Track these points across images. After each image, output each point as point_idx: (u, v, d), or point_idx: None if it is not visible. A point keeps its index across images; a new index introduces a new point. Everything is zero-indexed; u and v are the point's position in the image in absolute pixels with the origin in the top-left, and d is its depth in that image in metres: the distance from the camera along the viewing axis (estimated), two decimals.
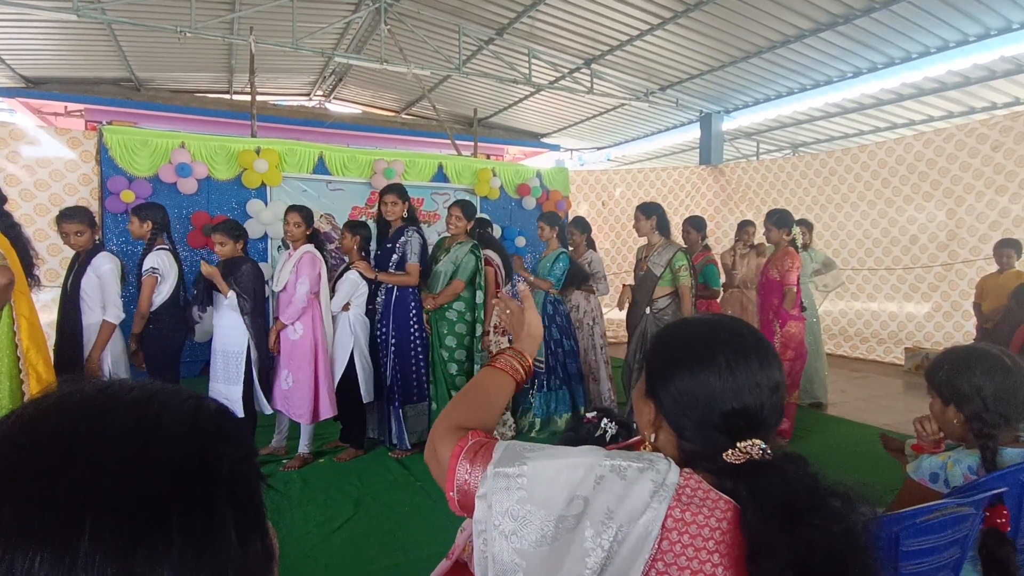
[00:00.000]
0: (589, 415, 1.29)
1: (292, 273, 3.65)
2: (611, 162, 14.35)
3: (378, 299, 3.93)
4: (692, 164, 10.51)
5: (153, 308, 3.48)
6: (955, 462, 1.44)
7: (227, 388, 3.51)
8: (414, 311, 3.91)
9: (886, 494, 1.58)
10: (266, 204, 6.17)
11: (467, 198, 5.21)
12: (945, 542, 1.25)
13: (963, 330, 6.37)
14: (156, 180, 5.81)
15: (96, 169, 5.82)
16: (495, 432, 0.97)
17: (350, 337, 3.82)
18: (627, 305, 4.37)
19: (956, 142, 6.47)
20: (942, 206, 6.64)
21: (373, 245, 4.04)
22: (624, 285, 4.46)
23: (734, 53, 7.71)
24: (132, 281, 3.99)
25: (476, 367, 4.03)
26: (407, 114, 12.33)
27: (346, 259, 4.03)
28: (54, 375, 2.54)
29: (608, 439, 1.20)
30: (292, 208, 3.77)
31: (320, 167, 6.57)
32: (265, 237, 6.20)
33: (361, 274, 3.83)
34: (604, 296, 4.95)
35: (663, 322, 3.94)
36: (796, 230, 4.29)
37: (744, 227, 5.42)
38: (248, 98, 6.97)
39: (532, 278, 4.56)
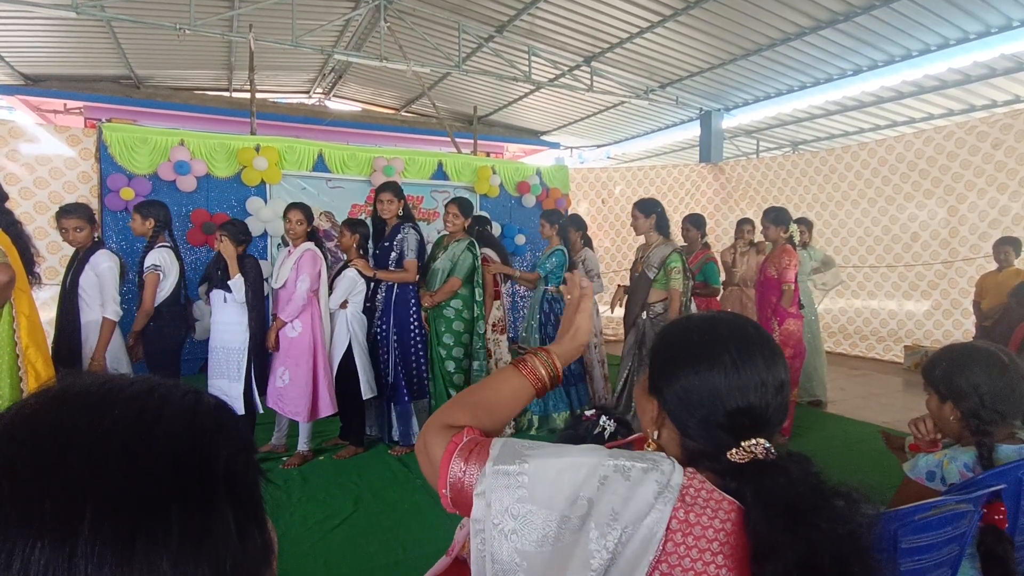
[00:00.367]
0: (587, 413, 1.29)
1: (293, 271, 3.65)
2: (611, 160, 14.35)
3: (378, 297, 3.94)
4: (692, 162, 10.51)
5: (155, 305, 3.48)
6: (951, 459, 1.44)
7: (227, 385, 3.51)
8: (414, 308, 3.92)
9: (885, 492, 1.59)
10: (265, 202, 6.18)
11: (465, 196, 5.21)
12: (943, 539, 1.25)
13: (963, 328, 6.37)
14: (155, 178, 5.82)
15: (95, 167, 5.82)
16: None
17: (346, 335, 3.82)
18: (621, 307, 4.24)
19: (956, 140, 6.46)
20: (942, 204, 6.64)
21: (370, 243, 4.05)
22: (619, 285, 4.39)
23: (734, 51, 7.70)
24: (131, 279, 3.99)
25: (475, 365, 4.04)
26: (407, 112, 12.31)
27: (343, 257, 4.04)
28: (53, 373, 2.54)
29: (607, 437, 1.19)
30: (293, 206, 3.78)
31: (320, 165, 6.57)
32: (265, 235, 6.20)
33: (360, 272, 3.84)
34: (599, 294, 4.95)
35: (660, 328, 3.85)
36: (793, 227, 4.29)
37: (743, 225, 5.42)
38: (248, 95, 6.97)
39: (518, 273, 4.56)
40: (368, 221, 4.13)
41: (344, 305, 3.84)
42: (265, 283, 3.82)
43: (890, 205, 7.12)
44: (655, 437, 0.90)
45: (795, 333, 4.18)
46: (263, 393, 3.70)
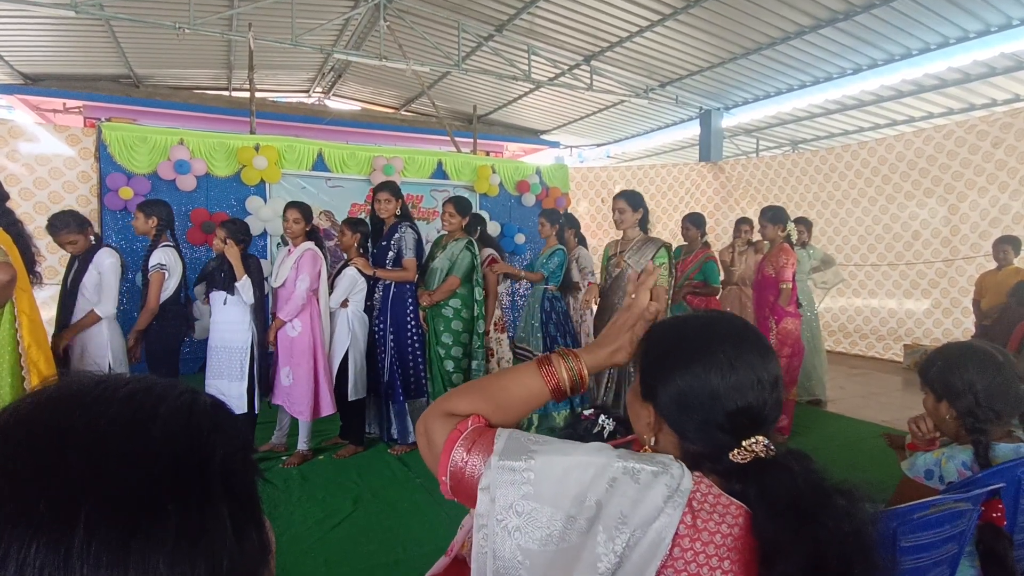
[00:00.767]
0: (586, 412, 1.29)
1: (292, 270, 3.65)
2: (611, 159, 14.34)
3: (375, 295, 3.95)
4: (692, 161, 10.51)
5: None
6: (949, 458, 1.45)
7: (228, 384, 3.51)
8: (411, 307, 3.93)
9: (885, 490, 1.59)
10: (265, 201, 6.18)
11: (462, 195, 5.21)
12: (942, 538, 1.25)
13: (962, 327, 6.38)
14: (155, 177, 5.81)
15: (95, 166, 5.82)
16: None
17: (347, 334, 3.83)
18: (595, 307, 3.97)
19: (956, 139, 6.47)
20: (943, 202, 6.65)
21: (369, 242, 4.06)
22: (590, 283, 4.22)
23: (734, 49, 7.70)
24: (130, 277, 3.99)
25: (473, 364, 4.04)
26: (406, 111, 12.31)
27: (344, 256, 4.04)
28: (56, 371, 2.54)
29: (606, 436, 1.19)
30: (291, 205, 3.79)
31: (319, 164, 6.57)
32: (264, 234, 6.20)
33: (360, 271, 3.84)
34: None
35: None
36: (791, 226, 4.29)
37: (741, 224, 5.42)
38: (247, 95, 6.97)
39: (523, 274, 4.57)
40: (367, 220, 4.14)
41: (345, 304, 3.85)
42: (265, 282, 3.83)
43: (890, 204, 7.12)
44: (652, 444, 0.88)
45: (793, 332, 4.18)
46: (268, 392, 3.71)
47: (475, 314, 4.03)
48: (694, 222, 4.96)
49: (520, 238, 7.59)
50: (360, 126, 10.99)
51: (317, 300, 3.73)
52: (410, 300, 3.93)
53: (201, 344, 3.83)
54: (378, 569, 2.56)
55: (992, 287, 4.74)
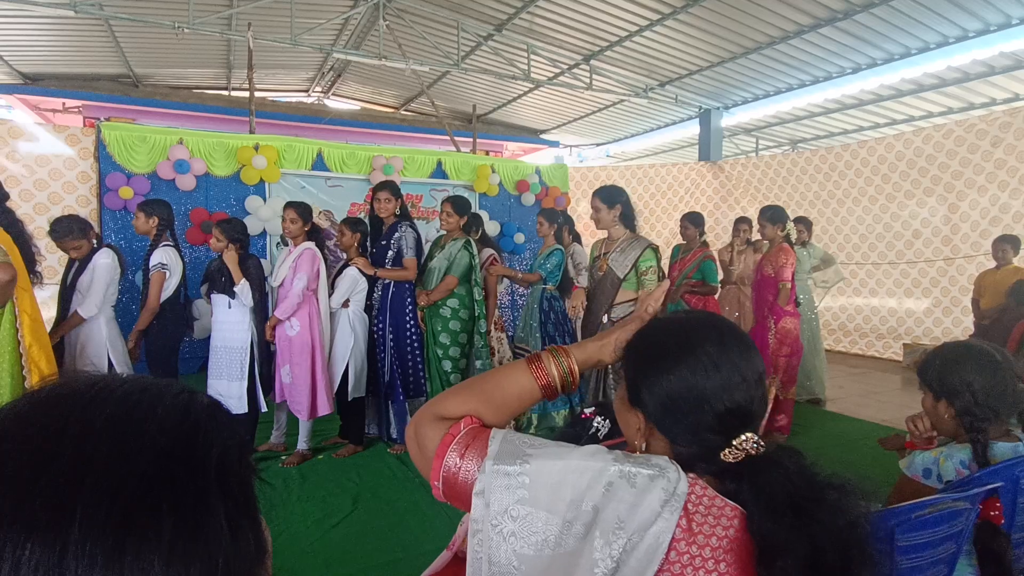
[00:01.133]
0: (587, 411, 1.29)
1: (291, 269, 3.66)
2: (610, 158, 14.34)
3: (375, 295, 3.95)
4: (691, 160, 10.51)
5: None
6: (947, 457, 1.46)
7: (228, 384, 3.52)
8: (410, 306, 3.93)
9: (884, 489, 1.59)
10: (264, 200, 6.18)
11: (461, 194, 5.21)
12: (940, 537, 1.26)
13: (962, 325, 6.38)
14: (154, 176, 5.81)
15: (94, 166, 5.82)
16: None
17: (350, 334, 3.84)
18: (582, 311, 3.82)
19: (955, 138, 6.47)
20: (943, 201, 6.65)
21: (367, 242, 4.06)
22: (576, 288, 4.15)
23: (733, 49, 7.70)
24: (129, 276, 3.99)
25: (477, 364, 4.04)
26: (406, 110, 12.31)
27: (343, 256, 4.05)
28: (56, 371, 2.55)
29: (601, 437, 1.19)
30: (289, 204, 3.79)
31: (319, 163, 6.57)
32: (264, 234, 6.20)
33: (360, 270, 3.85)
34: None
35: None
36: (790, 226, 4.29)
37: (740, 224, 5.42)
38: (246, 94, 6.96)
39: (521, 275, 4.57)
40: (366, 220, 4.15)
41: (346, 304, 3.85)
42: (265, 282, 3.83)
43: (890, 203, 7.12)
44: (643, 449, 0.88)
45: (792, 331, 4.19)
46: (269, 391, 3.72)
47: (475, 314, 4.03)
48: (692, 221, 4.96)
49: (519, 237, 7.59)
50: (360, 125, 10.98)
51: (316, 299, 3.74)
52: (409, 300, 3.93)
53: (201, 344, 3.84)
54: (377, 568, 2.56)
55: (991, 286, 4.74)
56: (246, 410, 3.51)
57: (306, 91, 11.97)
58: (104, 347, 3.26)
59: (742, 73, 8.39)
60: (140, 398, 0.41)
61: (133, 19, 6.70)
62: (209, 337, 3.67)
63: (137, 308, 3.62)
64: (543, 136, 12.93)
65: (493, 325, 4.41)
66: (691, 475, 0.77)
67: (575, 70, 8.97)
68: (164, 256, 3.50)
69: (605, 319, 3.38)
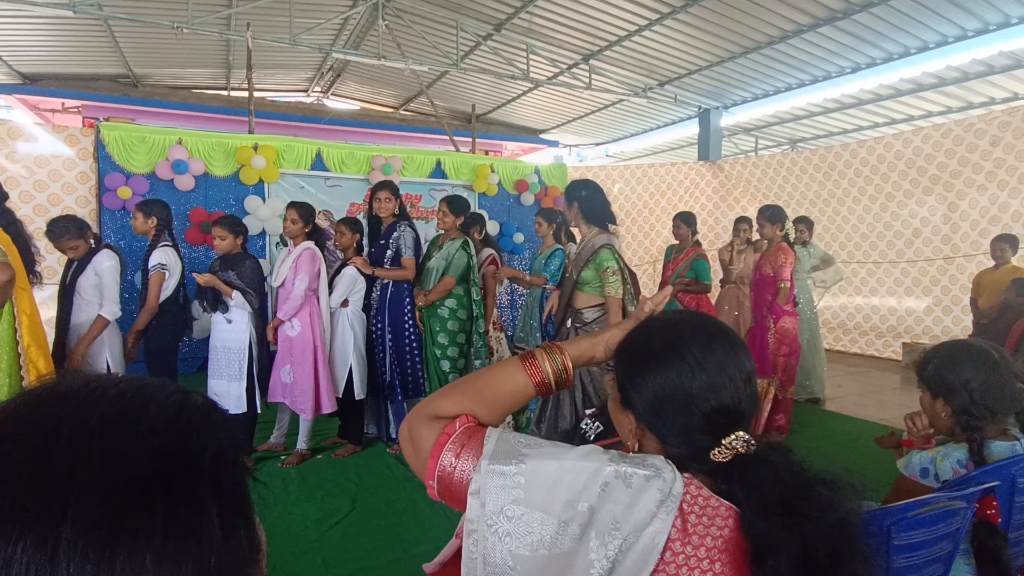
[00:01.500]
0: (588, 412, 1.29)
1: (291, 270, 3.66)
2: (610, 158, 14.34)
3: (373, 294, 3.95)
4: (691, 160, 10.50)
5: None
6: (944, 456, 1.46)
7: (228, 384, 3.52)
8: (409, 306, 3.93)
9: (882, 488, 1.60)
10: (264, 200, 6.18)
11: (459, 194, 5.21)
12: (937, 536, 1.26)
13: (962, 324, 6.38)
14: (153, 176, 5.81)
15: (94, 166, 5.82)
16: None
17: (350, 333, 3.84)
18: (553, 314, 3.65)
19: (954, 137, 6.47)
20: (942, 200, 6.65)
21: (364, 241, 4.07)
22: (554, 289, 4.13)
23: (732, 49, 7.70)
24: (128, 276, 3.99)
25: (476, 364, 4.05)
26: (405, 110, 12.30)
27: (341, 255, 4.05)
28: (54, 371, 2.55)
29: (592, 439, 1.19)
30: (291, 204, 3.80)
31: (318, 163, 6.57)
32: (263, 234, 6.20)
33: (359, 270, 3.85)
34: None
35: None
36: (789, 225, 4.30)
37: (740, 223, 5.43)
38: (246, 94, 6.96)
39: (528, 277, 4.57)
40: (364, 220, 4.15)
41: (345, 303, 3.86)
42: (265, 282, 3.83)
43: (890, 202, 7.13)
44: (636, 449, 0.89)
45: (791, 331, 4.19)
46: (266, 391, 3.72)
47: (473, 314, 4.03)
48: (684, 220, 4.97)
49: (519, 237, 7.59)
50: (359, 125, 10.99)
51: (317, 299, 3.74)
52: (408, 299, 3.93)
53: (200, 344, 3.84)
54: (376, 568, 2.57)
55: (990, 286, 4.75)
56: (245, 410, 3.51)
57: (305, 91, 11.97)
58: (103, 347, 3.26)
59: (741, 73, 8.39)
60: (134, 397, 0.42)
61: (132, 19, 6.70)
62: (208, 337, 3.67)
63: (136, 308, 3.62)
64: (542, 136, 12.93)
65: (492, 325, 4.40)
66: (686, 475, 0.77)
67: (574, 70, 8.97)
68: (163, 256, 3.50)
69: (568, 323, 3.14)
